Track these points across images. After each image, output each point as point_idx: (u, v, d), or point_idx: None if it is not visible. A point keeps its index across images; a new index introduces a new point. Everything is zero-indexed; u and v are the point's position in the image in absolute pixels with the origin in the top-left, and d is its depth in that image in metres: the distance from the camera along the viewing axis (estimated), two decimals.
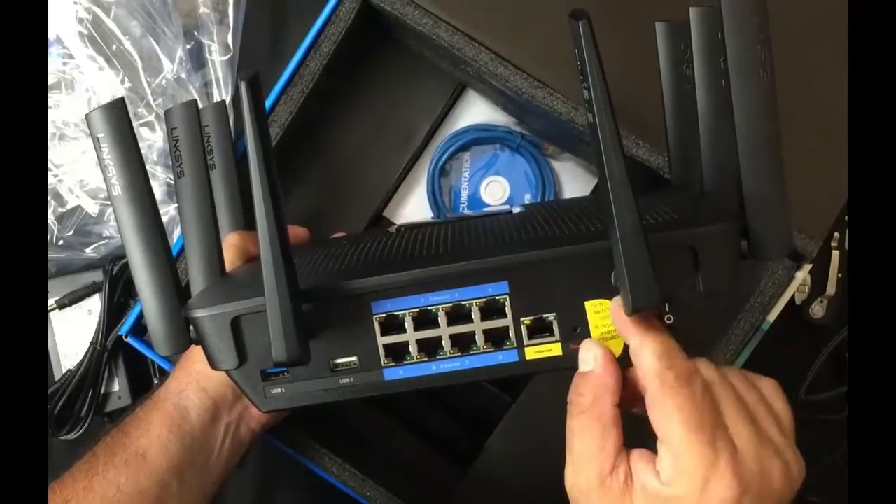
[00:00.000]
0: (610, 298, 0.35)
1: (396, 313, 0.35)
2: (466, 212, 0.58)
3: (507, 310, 0.35)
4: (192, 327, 0.36)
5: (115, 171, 0.34)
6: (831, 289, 0.63)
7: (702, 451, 0.31)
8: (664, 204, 0.39)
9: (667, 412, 0.31)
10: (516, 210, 0.47)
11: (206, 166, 0.43)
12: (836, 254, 0.63)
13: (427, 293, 0.34)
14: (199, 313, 0.35)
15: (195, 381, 0.45)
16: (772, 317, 0.54)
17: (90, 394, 0.61)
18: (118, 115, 0.34)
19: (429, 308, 0.34)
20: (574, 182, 0.62)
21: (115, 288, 0.62)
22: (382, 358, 0.35)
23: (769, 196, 0.34)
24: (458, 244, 0.39)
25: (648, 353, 0.32)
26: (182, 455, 0.43)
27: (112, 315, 0.61)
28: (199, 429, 0.44)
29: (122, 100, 0.34)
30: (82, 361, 0.61)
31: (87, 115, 0.34)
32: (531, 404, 0.56)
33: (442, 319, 0.35)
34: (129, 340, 0.54)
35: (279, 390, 0.36)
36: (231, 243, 0.48)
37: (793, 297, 0.62)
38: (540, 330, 0.35)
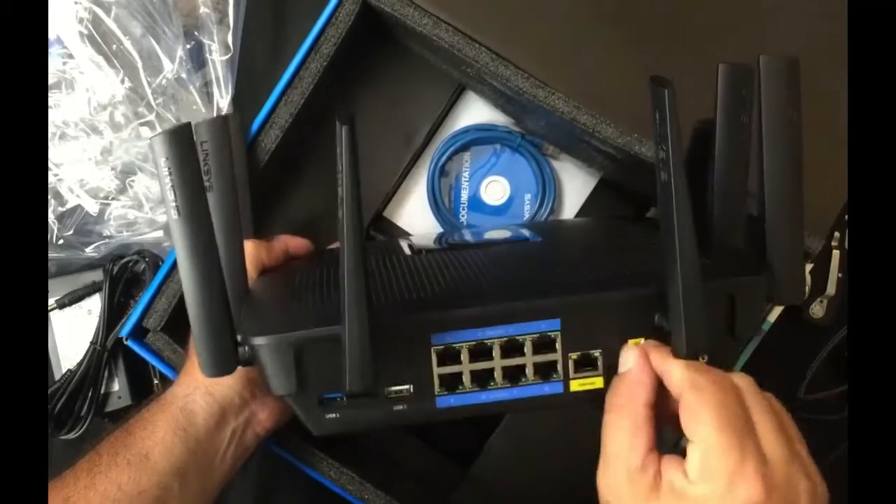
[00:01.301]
0: (651, 336, 0.37)
1: (454, 345, 0.36)
2: (469, 238, 0.58)
3: (558, 345, 0.37)
4: (241, 349, 0.36)
5: (178, 195, 0.34)
6: (831, 289, 0.63)
7: (730, 451, 0.31)
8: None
9: (697, 412, 0.32)
10: (530, 237, 0.49)
11: (233, 180, 0.43)
12: (836, 254, 0.63)
13: (485, 327, 0.36)
14: (259, 341, 0.35)
15: (203, 386, 0.45)
16: (772, 317, 0.54)
17: (90, 394, 0.61)
18: (184, 140, 0.34)
19: (485, 341, 0.36)
20: (574, 182, 0.62)
21: (115, 288, 0.62)
22: (437, 387, 0.37)
23: (793, 247, 0.38)
24: (507, 276, 0.41)
25: (680, 367, 0.33)
26: (186, 458, 0.43)
27: (112, 315, 0.61)
28: (204, 433, 0.44)
29: (188, 125, 0.34)
30: (82, 361, 0.61)
31: (152, 139, 0.34)
32: None
33: (496, 352, 0.36)
34: (129, 344, 0.53)
35: (334, 416, 0.37)
36: (245, 252, 0.47)
37: None
38: (585, 364, 0.37)
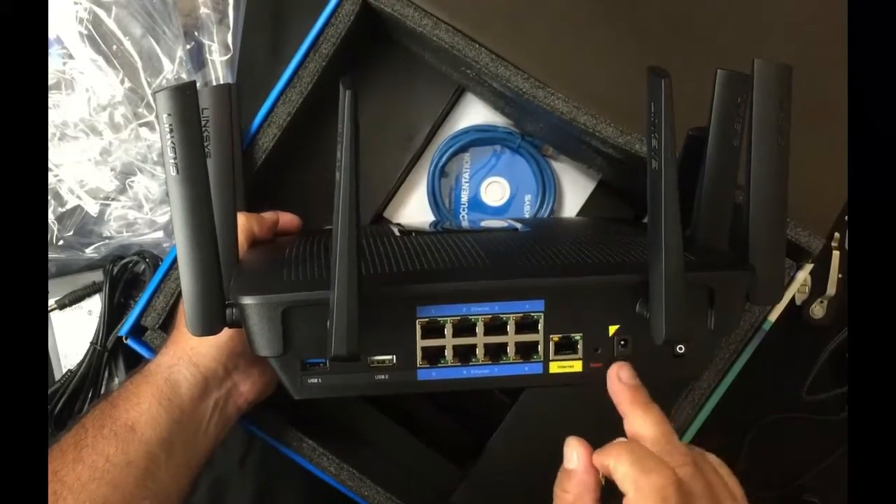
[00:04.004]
0: (631, 325, 0.38)
1: (439, 319, 0.37)
2: (466, 225, 0.59)
3: (540, 326, 0.37)
4: (229, 310, 0.37)
5: (179, 152, 0.35)
6: (831, 289, 0.63)
7: None
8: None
9: None
10: (521, 228, 0.49)
11: (231, 150, 0.43)
12: (836, 254, 0.63)
13: (470, 303, 0.37)
14: (248, 300, 0.36)
15: (187, 357, 0.45)
16: (772, 317, 0.54)
17: (90, 394, 0.61)
18: (188, 97, 0.34)
19: (469, 317, 0.37)
20: (574, 183, 0.62)
21: (115, 288, 0.62)
22: (419, 359, 0.37)
23: (774, 251, 0.38)
24: (495, 257, 0.41)
25: (625, 465, 0.34)
26: (171, 428, 0.43)
27: (112, 315, 0.61)
28: (188, 403, 0.44)
29: (193, 83, 0.35)
30: (82, 361, 0.61)
31: (156, 94, 0.34)
32: (532, 405, 0.56)
33: (480, 329, 0.37)
34: (129, 342, 0.54)
35: (316, 380, 0.37)
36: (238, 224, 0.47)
37: (793, 298, 0.62)
38: (566, 347, 0.38)
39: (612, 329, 0.38)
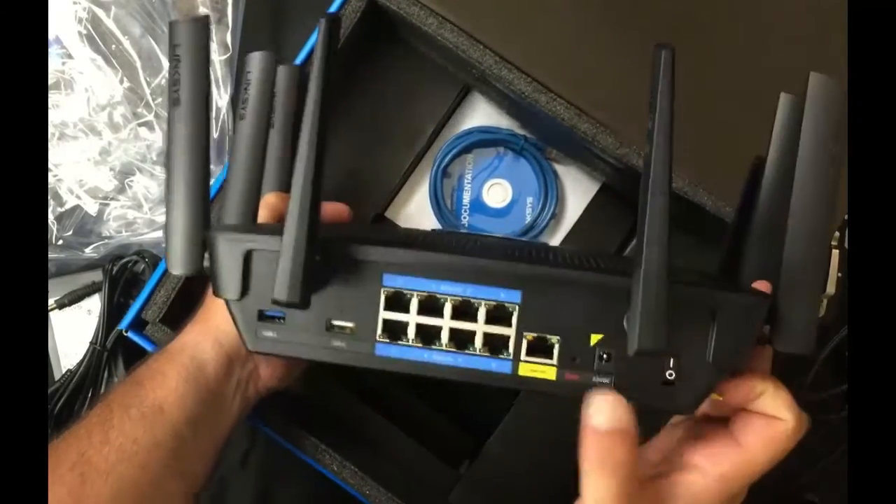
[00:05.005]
0: (616, 337, 0.34)
1: (404, 291, 0.34)
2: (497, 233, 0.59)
3: (514, 319, 0.34)
4: (207, 255, 0.37)
5: (184, 84, 0.35)
6: (831, 288, 0.63)
7: None
8: (694, 271, 0.39)
9: None
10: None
11: (267, 118, 0.43)
12: (835, 253, 0.63)
13: (440, 280, 0.34)
14: (218, 234, 0.35)
15: (212, 335, 0.45)
16: None
17: (90, 394, 0.61)
18: (201, 31, 0.35)
19: (437, 296, 0.34)
20: (577, 186, 0.62)
21: (115, 288, 0.62)
22: (379, 331, 0.35)
23: (807, 293, 0.34)
24: (482, 247, 0.39)
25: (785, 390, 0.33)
26: (197, 408, 0.42)
27: (112, 315, 0.61)
28: (213, 382, 0.44)
29: (207, 17, 0.35)
30: (82, 361, 0.61)
31: (171, 23, 0.34)
32: (531, 406, 0.57)
33: (447, 311, 0.34)
34: (130, 335, 0.54)
35: (271, 334, 0.36)
36: (268, 202, 0.47)
37: None
38: (540, 350, 0.34)
39: (595, 338, 0.34)
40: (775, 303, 0.34)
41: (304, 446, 0.52)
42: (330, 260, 0.34)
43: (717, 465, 0.34)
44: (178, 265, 0.37)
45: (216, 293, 0.36)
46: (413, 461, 0.58)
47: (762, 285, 0.35)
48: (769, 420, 0.34)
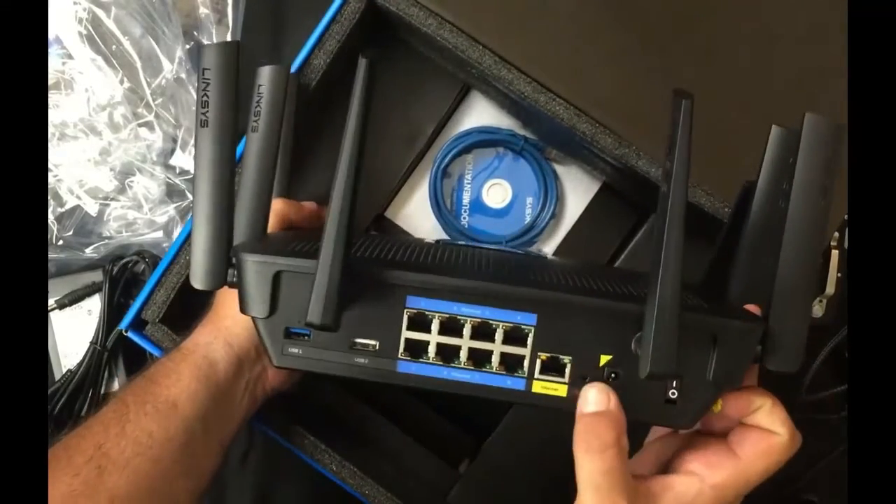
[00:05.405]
0: (624, 358, 0.36)
1: (427, 313, 0.36)
2: (504, 247, 0.60)
3: (529, 340, 0.37)
4: (231, 270, 0.38)
5: (212, 106, 0.37)
6: (831, 288, 0.63)
7: None
8: (690, 291, 0.40)
9: None
10: (550, 255, 0.49)
11: (279, 131, 0.45)
12: (835, 253, 0.63)
13: (461, 303, 0.36)
14: (247, 257, 0.37)
15: (223, 337, 0.46)
16: None
17: (90, 394, 0.61)
18: (231, 55, 0.37)
19: (458, 317, 0.36)
20: (577, 187, 0.62)
21: (115, 288, 0.62)
22: (401, 350, 0.37)
23: (797, 315, 0.36)
24: (500, 266, 0.41)
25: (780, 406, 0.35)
26: (208, 405, 0.44)
27: (112, 315, 0.61)
28: (224, 381, 0.45)
29: (237, 43, 0.37)
30: (82, 361, 0.61)
31: (202, 48, 0.37)
32: (528, 409, 0.57)
33: (467, 331, 0.37)
34: (130, 335, 0.54)
35: (297, 350, 0.37)
36: (275, 209, 0.49)
37: None
38: (553, 369, 0.37)
39: (605, 359, 0.36)
40: (767, 326, 0.36)
41: (304, 446, 0.52)
42: (356, 281, 0.36)
43: (713, 473, 0.36)
44: (202, 281, 0.39)
45: (244, 311, 0.37)
46: (413, 461, 0.58)
47: (753, 308, 0.38)
48: (765, 433, 0.36)
